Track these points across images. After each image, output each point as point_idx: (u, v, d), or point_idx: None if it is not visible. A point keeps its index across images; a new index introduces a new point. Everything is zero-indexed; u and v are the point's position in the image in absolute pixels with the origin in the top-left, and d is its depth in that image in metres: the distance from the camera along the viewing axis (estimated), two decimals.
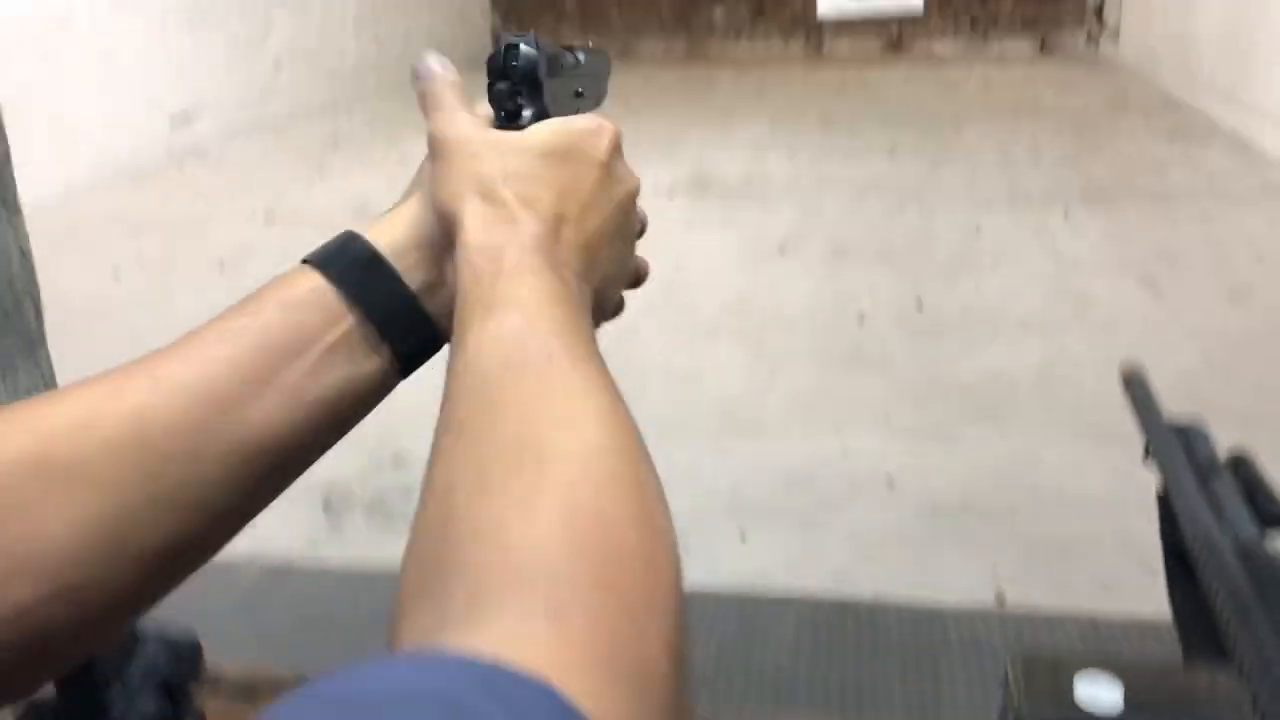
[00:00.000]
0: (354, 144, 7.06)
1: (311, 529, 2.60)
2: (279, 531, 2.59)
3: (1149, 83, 8.57)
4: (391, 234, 0.55)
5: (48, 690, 0.76)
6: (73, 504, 0.46)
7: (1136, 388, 0.87)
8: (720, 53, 11.11)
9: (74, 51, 5.80)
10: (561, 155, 0.54)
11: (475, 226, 0.51)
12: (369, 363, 0.53)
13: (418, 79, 0.59)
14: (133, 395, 0.48)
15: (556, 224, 0.52)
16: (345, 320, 0.53)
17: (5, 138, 0.89)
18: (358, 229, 0.56)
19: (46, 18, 5.55)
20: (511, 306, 0.46)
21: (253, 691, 0.89)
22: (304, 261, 0.55)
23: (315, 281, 0.53)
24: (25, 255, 0.84)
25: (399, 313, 0.54)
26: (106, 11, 6.08)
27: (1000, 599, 2.23)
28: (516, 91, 0.56)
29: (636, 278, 0.61)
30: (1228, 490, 0.70)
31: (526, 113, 0.56)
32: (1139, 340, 3.52)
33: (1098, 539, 2.41)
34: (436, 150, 0.56)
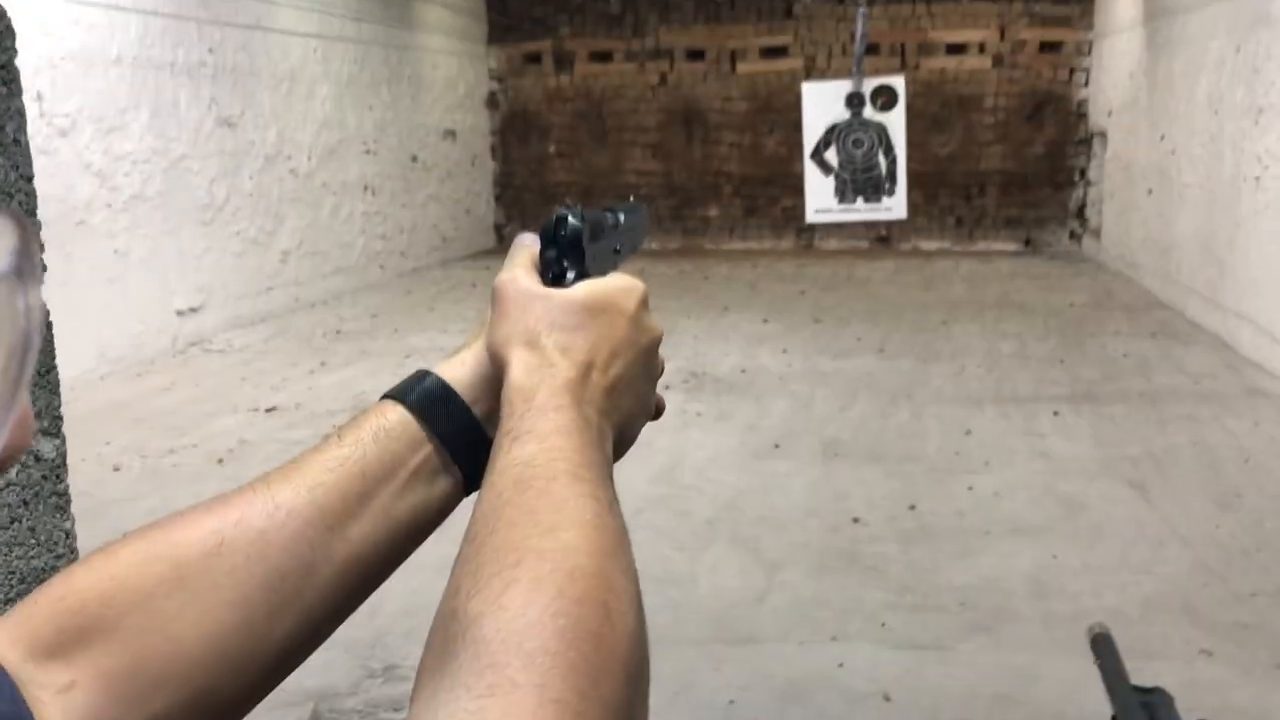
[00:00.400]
0: (356, 335, 7.21)
1: None
2: None
3: (1131, 281, 8.83)
4: (461, 370, 0.65)
5: None
6: (206, 620, 0.54)
7: (1103, 651, 0.90)
8: (714, 247, 11.47)
9: (88, 246, 5.99)
10: (597, 311, 0.62)
11: (518, 369, 0.60)
12: (442, 482, 0.62)
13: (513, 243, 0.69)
14: (256, 522, 0.57)
15: (586, 369, 0.60)
16: (425, 447, 0.62)
17: (53, 352, 0.95)
18: (429, 366, 0.66)
19: (65, 216, 5.76)
20: (532, 437, 0.55)
21: None
22: (386, 396, 0.64)
23: (400, 414, 0.62)
24: (72, 549, 0.89)
25: (468, 439, 0.63)
26: (123, 209, 6.31)
27: None
28: (562, 257, 0.64)
29: (656, 412, 0.69)
30: None
31: (570, 274, 0.65)
32: (1130, 547, 3.54)
33: None
34: (495, 297, 0.65)
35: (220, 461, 4.54)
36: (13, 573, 0.83)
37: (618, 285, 0.65)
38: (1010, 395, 5.44)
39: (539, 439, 0.55)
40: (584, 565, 0.48)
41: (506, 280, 0.64)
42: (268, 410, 5.34)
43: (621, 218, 0.75)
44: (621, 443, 0.64)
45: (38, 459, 0.88)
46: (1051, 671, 2.78)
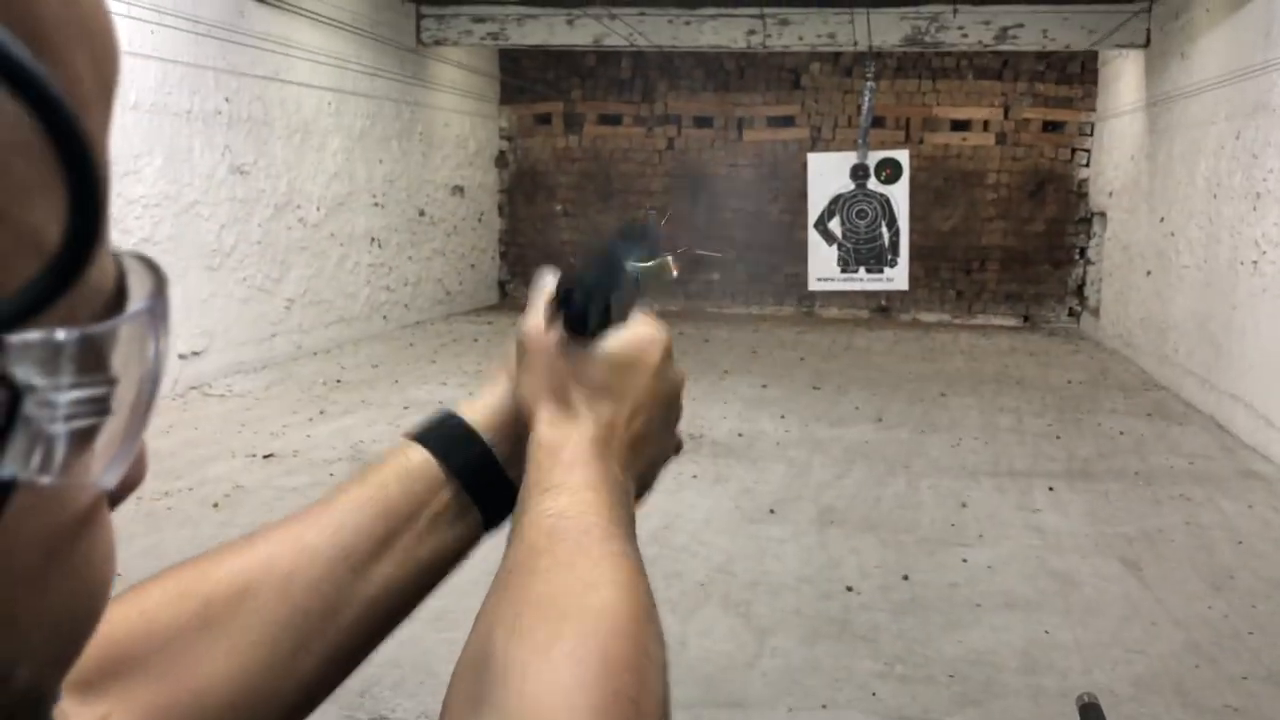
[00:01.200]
0: (357, 385, 7.24)
1: None
2: None
3: (1128, 360, 8.89)
4: (484, 413, 0.66)
5: None
6: (233, 659, 0.56)
7: (1090, 716, 0.92)
8: (716, 310, 11.54)
9: None
10: (622, 367, 0.63)
11: (545, 422, 0.61)
12: (462, 524, 0.64)
13: (534, 282, 0.69)
14: (282, 564, 0.59)
15: (612, 425, 0.62)
16: (447, 489, 0.63)
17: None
18: (453, 408, 0.68)
19: None
20: (563, 491, 0.56)
21: None
22: (408, 436, 0.65)
23: (423, 455, 0.64)
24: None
25: (489, 481, 0.64)
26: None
27: None
28: (586, 305, 0.64)
29: (676, 451, 0.71)
30: None
31: (593, 318, 0.64)
32: (1122, 625, 3.54)
33: None
34: (521, 348, 0.66)
35: (216, 506, 4.54)
36: None
37: (642, 337, 0.65)
38: (1006, 469, 5.46)
39: (570, 492, 0.56)
40: (624, 628, 0.49)
41: (532, 333, 0.65)
42: (265, 457, 5.35)
43: (643, 266, 0.74)
44: (642, 488, 0.65)
45: None
46: None
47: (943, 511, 4.74)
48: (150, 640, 0.55)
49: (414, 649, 3.11)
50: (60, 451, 0.26)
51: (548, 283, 0.67)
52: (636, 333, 0.65)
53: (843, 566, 4.05)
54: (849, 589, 3.83)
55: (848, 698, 3.03)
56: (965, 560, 4.13)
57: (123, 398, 0.28)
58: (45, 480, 0.25)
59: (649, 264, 0.73)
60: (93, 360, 0.26)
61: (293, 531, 0.60)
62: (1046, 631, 3.47)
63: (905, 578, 3.94)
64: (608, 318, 0.65)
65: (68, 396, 0.25)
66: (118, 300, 0.28)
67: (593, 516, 0.55)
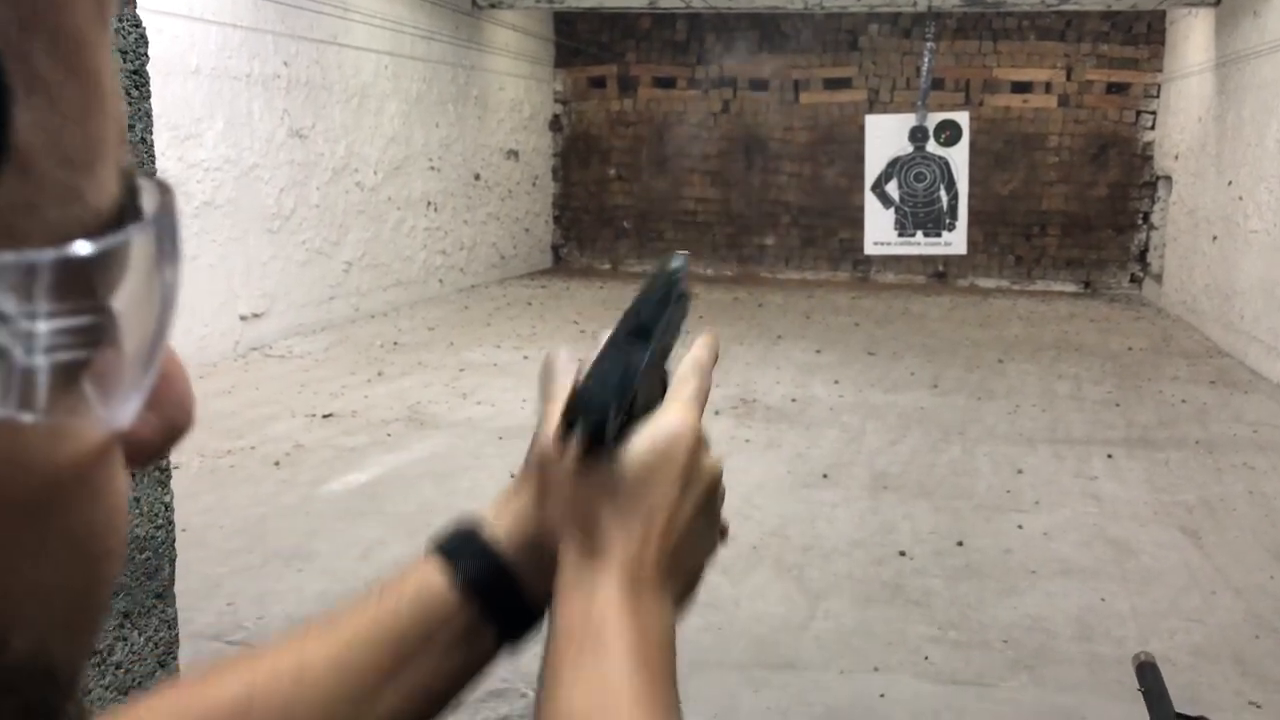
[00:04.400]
0: (413, 347, 7.32)
1: None
2: None
3: (1192, 327, 8.72)
4: (508, 526, 0.62)
5: None
6: None
7: (1149, 678, 0.92)
8: (770, 275, 11.49)
9: None
10: (648, 479, 0.58)
11: (570, 565, 0.57)
12: (476, 648, 0.60)
13: (545, 370, 0.64)
14: (281, 690, 0.56)
15: (643, 545, 0.57)
16: (464, 613, 0.59)
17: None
18: (478, 519, 0.63)
19: None
20: (600, 652, 0.54)
21: None
22: (430, 548, 0.62)
23: (441, 579, 0.60)
24: (170, 521, 0.95)
25: (509, 605, 0.60)
26: (194, 215, 6.48)
27: None
28: (600, 424, 0.57)
29: (721, 537, 0.66)
30: None
31: (610, 432, 0.57)
32: (1180, 594, 3.50)
33: None
34: (542, 472, 0.61)
35: (277, 464, 4.63)
36: None
37: (666, 437, 0.58)
38: (1064, 436, 5.40)
39: (606, 654, 0.53)
40: None
41: (548, 454, 0.59)
42: (324, 416, 5.44)
43: (663, 319, 0.64)
44: (685, 595, 0.61)
45: None
46: (1094, 713, 2.76)
47: (998, 478, 4.71)
48: None
49: None
50: (43, 386, 0.23)
51: (560, 380, 0.61)
52: (660, 430, 0.58)
53: (896, 532, 4.04)
54: (902, 554, 3.82)
55: (900, 661, 3.04)
56: (1020, 527, 4.10)
57: (128, 328, 0.25)
58: (27, 418, 0.23)
59: (671, 338, 0.64)
60: (80, 286, 0.24)
61: (295, 655, 0.57)
62: (1102, 599, 3.44)
63: (959, 543, 3.92)
64: (630, 416, 0.58)
65: (48, 325, 0.23)
66: (120, 222, 0.25)
67: (635, 676, 0.53)
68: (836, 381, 6.54)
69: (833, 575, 3.64)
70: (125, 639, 0.91)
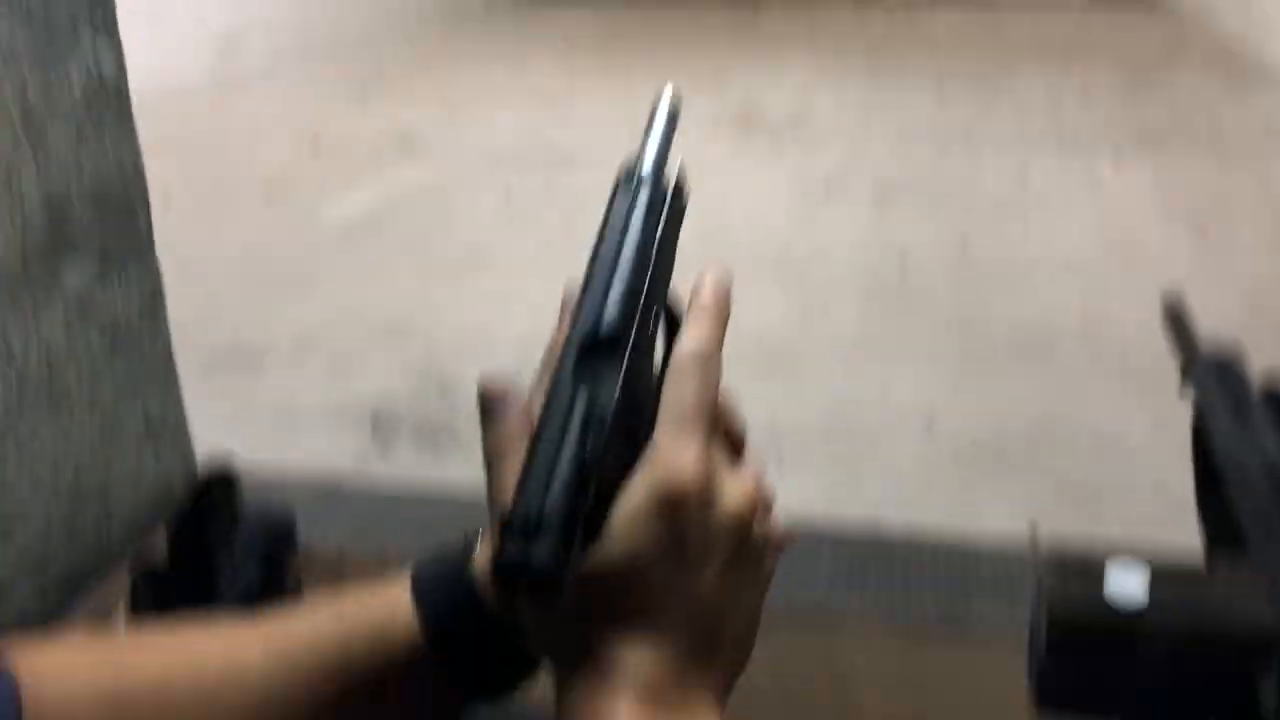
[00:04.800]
0: (398, 75, 7.07)
1: (361, 451, 2.68)
2: (328, 451, 2.67)
3: (1207, 30, 8.37)
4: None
5: (160, 556, 0.82)
6: None
7: (1176, 318, 0.89)
8: None
9: None
10: (643, 569, 0.43)
11: (570, 690, 0.43)
12: (439, 699, 0.51)
13: (482, 401, 0.48)
14: (205, 685, 0.50)
15: (657, 652, 0.43)
16: (428, 662, 0.49)
17: (122, 54, 0.94)
18: (469, 542, 0.51)
19: None
20: None
21: (341, 567, 0.95)
22: (411, 577, 0.51)
23: (409, 617, 0.49)
24: (137, 163, 0.90)
25: (486, 662, 0.50)
26: None
27: (1033, 538, 2.26)
28: (550, 559, 0.40)
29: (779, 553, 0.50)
30: (1260, 418, 0.73)
31: (565, 555, 0.40)
32: (1184, 285, 3.48)
33: (1133, 487, 2.42)
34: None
35: (269, 194, 4.56)
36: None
37: (655, 503, 0.43)
38: (1072, 139, 5.27)
39: None
40: None
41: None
42: (314, 143, 5.31)
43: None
44: (736, 669, 0.47)
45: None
46: (1097, 397, 2.81)
47: (1004, 181, 4.63)
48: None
49: (477, 316, 3.18)
50: None
51: (504, 447, 0.45)
52: (645, 496, 0.43)
53: (900, 238, 4.01)
54: (905, 258, 3.80)
55: (901, 360, 3.07)
56: (1026, 227, 4.06)
57: None
58: None
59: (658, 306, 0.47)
60: None
61: (226, 650, 0.51)
62: (1106, 293, 3.44)
63: (964, 246, 3.90)
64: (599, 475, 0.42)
65: None
66: None
67: None
68: (840, 92, 6.35)
69: (836, 281, 3.63)
70: (107, 286, 0.88)
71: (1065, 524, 2.28)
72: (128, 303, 0.92)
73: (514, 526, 0.39)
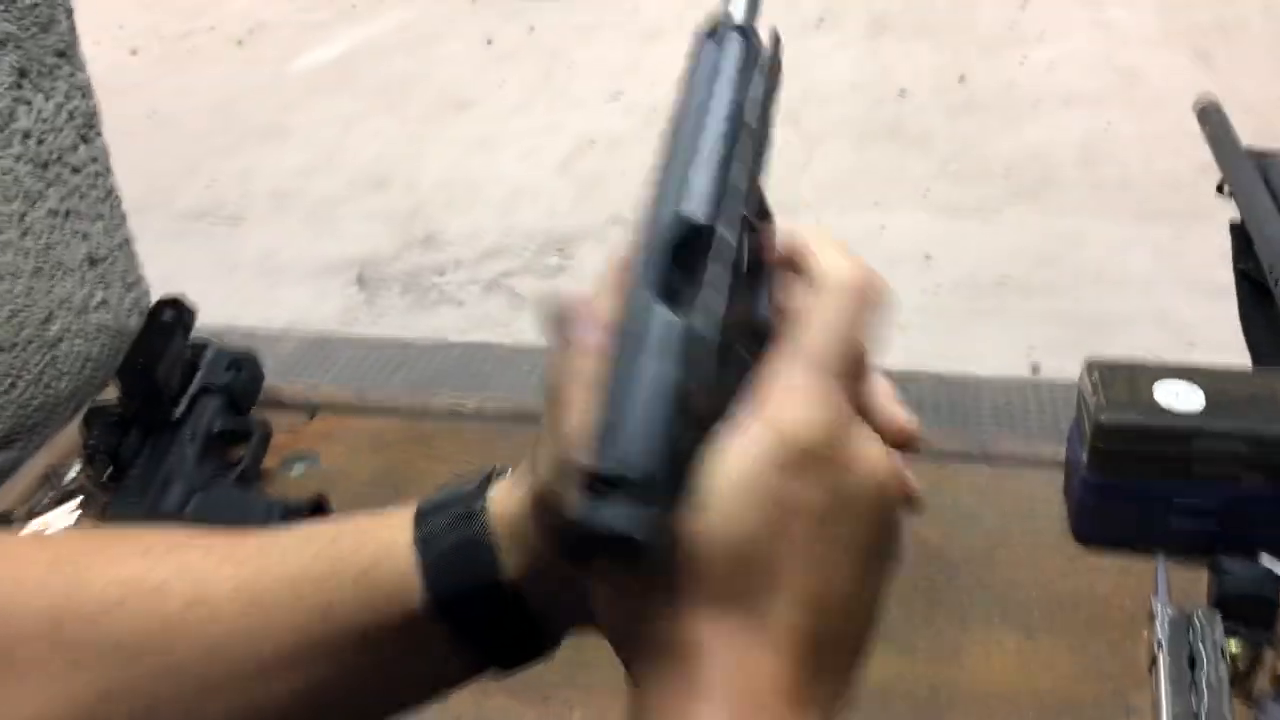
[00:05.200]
0: None
1: (347, 304, 2.62)
2: (315, 307, 2.61)
3: None
4: (511, 523, 0.40)
5: (111, 395, 0.77)
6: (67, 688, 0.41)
7: (1213, 119, 0.83)
8: None
9: None
10: (754, 535, 0.33)
11: (644, 697, 0.34)
12: (438, 665, 0.42)
13: (551, 318, 0.37)
14: (162, 611, 0.42)
15: (758, 657, 0.33)
16: (429, 626, 0.41)
17: None
18: (481, 482, 0.42)
19: None
20: None
21: (312, 409, 0.90)
22: (415, 513, 0.42)
23: (408, 567, 0.41)
24: None
25: (499, 628, 0.41)
26: None
27: (1036, 371, 2.24)
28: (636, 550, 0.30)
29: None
30: None
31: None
32: (1188, 115, 3.39)
33: (1137, 317, 2.39)
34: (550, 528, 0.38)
35: (239, 43, 4.39)
36: None
37: (776, 453, 0.33)
38: None
39: None
40: None
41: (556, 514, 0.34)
42: None
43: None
44: (848, 683, 0.37)
45: None
46: (1096, 234, 2.75)
47: (1002, 12, 4.46)
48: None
49: (461, 169, 3.08)
50: None
51: (567, 389, 0.35)
52: (741, 467, 0.33)
53: (895, 73, 3.88)
54: (902, 93, 3.68)
55: (900, 196, 3.00)
56: (1024, 60, 3.93)
57: None
58: None
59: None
60: None
61: (194, 576, 0.42)
62: (1108, 124, 3.35)
63: (961, 80, 3.78)
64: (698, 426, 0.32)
65: None
66: None
67: None
68: None
69: (830, 119, 3.52)
70: (28, 102, 0.80)
71: (1068, 357, 2.25)
72: (56, 125, 0.84)
73: (594, 476, 0.29)
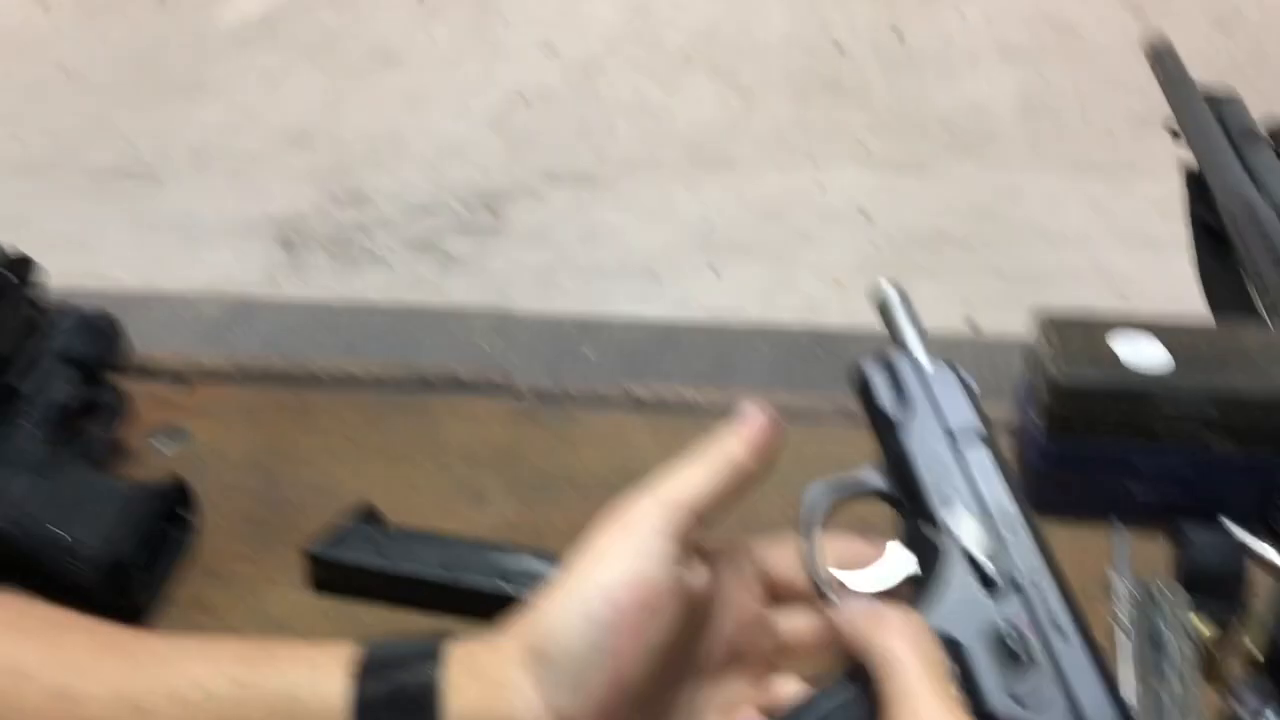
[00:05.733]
0: None
1: (271, 266, 2.53)
2: (238, 268, 2.52)
3: None
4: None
5: None
6: None
7: (1164, 60, 0.79)
8: None
9: None
10: None
11: None
12: None
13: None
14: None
15: None
16: None
17: None
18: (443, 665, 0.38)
19: None
20: None
21: (184, 376, 0.84)
22: (356, 660, 0.38)
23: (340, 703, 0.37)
24: None
25: None
26: None
27: (974, 327, 2.22)
28: None
29: None
30: (1266, 160, 0.65)
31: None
32: (1121, 69, 3.39)
33: (1075, 271, 2.39)
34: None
35: (162, 2, 4.22)
36: None
37: None
38: None
39: None
40: None
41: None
42: None
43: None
44: None
45: None
46: (1034, 189, 2.75)
47: None
48: None
49: (385, 124, 2.99)
50: None
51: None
52: None
53: (832, 27, 3.83)
54: (838, 47, 3.64)
55: (838, 152, 2.96)
56: (961, 13, 3.90)
57: None
58: None
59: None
60: None
61: (128, 670, 0.38)
62: (1045, 77, 3.34)
63: (898, 35, 3.74)
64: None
65: None
66: None
67: None
68: None
69: (767, 74, 3.47)
70: None
71: (1008, 312, 2.24)
72: None
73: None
